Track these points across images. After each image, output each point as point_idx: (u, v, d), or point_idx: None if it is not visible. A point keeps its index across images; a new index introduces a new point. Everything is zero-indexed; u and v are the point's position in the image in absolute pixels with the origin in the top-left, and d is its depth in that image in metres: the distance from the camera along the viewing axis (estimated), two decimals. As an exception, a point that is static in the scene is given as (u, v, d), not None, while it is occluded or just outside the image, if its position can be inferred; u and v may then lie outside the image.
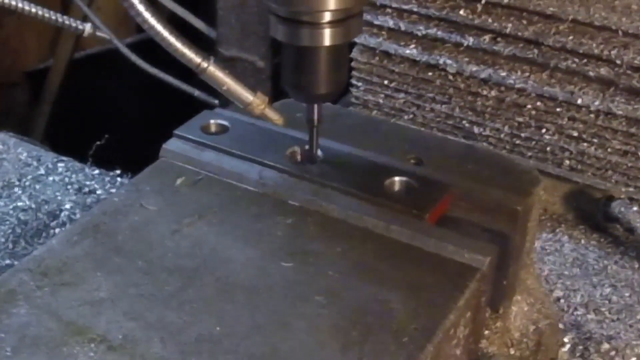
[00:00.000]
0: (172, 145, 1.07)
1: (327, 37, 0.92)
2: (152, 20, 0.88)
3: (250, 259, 0.91)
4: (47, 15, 1.46)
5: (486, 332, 1.04)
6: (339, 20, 0.92)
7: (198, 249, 0.93)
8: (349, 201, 0.98)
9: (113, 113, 3.13)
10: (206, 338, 0.82)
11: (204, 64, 0.91)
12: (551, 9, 1.41)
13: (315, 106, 1.00)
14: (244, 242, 0.94)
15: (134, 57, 2.31)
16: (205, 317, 0.84)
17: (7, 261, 1.19)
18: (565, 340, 1.18)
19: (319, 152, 1.04)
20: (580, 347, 1.17)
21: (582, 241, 1.45)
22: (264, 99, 0.96)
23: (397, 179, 1.01)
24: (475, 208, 1.00)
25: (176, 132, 1.08)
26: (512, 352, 1.07)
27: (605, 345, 1.17)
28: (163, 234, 0.94)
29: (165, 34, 0.88)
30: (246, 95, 0.95)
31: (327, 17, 0.91)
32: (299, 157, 1.05)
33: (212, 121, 1.10)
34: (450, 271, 0.91)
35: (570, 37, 1.41)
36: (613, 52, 1.38)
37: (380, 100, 1.64)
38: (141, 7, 0.87)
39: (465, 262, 0.92)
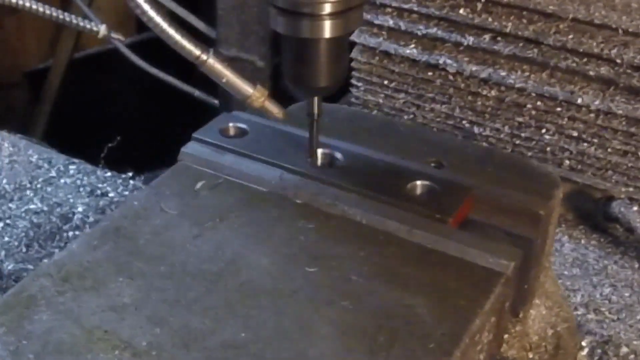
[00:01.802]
0: (191, 148, 1.06)
1: (327, 29, 0.91)
2: (152, 13, 0.87)
3: (273, 263, 0.91)
4: (60, 17, 1.45)
5: (505, 336, 1.03)
6: (339, 11, 0.91)
7: (220, 253, 0.92)
8: (370, 205, 0.97)
9: (113, 113, 3.12)
10: (231, 344, 0.81)
11: (203, 57, 0.90)
12: (551, 7, 1.41)
13: (316, 100, 0.99)
14: (267, 246, 0.93)
15: (134, 57, 2.30)
16: (230, 323, 0.83)
17: (21, 265, 1.18)
18: (584, 343, 1.17)
19: (339, 155, 1.04)
20: (599, 351, 1.17)
21: (582, 241, 1.45)
22: (264, 92, 0.95)
23: (419, 182, 1.00)
24: (497, 211, 0.99)
25: (195, 135, 1.07)
26: (530, 356, 1.07)
27: (624, 349, 1.17)
28: (185, 237, 0.94)
29: (165, 26, 0.88)
30: (246, 88, 0.95)
31: (327, 8, 0.90)
32: (319, 160, 1.04)
33: (230, 124, 1.09)
34: (474, 276, 0.90)
35: (571, 36, 1.40)
36: (613, 51, 1.37)
37: (380, 100, 1.63)
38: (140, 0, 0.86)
39: (489, 267, 0.91)
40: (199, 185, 1.01)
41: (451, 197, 0.98)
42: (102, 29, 1.57)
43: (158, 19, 0.87)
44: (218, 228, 0.95)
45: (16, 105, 3.19)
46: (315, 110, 0.99)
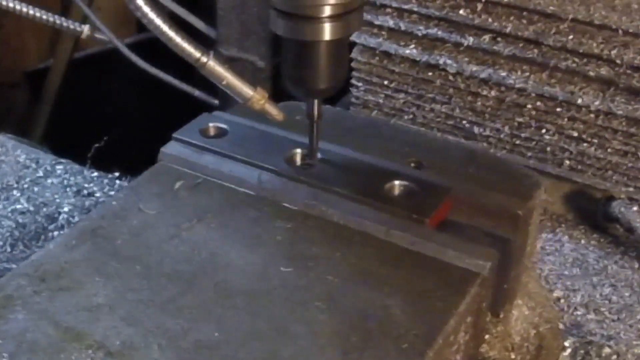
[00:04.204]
0: (170, 148, 1.06)
1: (327, 32, 0.92)
2: (152, 15, 0.87)
3: (249, 263, 0.91)
4: (44, 17, 1.45)
5: (487, 336, 1.03)
6: (339, 14, 0.91)
7: (197, 253, 0.92)
8: (348, 205, 0.97)
9: (113, 113, 3.13)
10: (205, 344, 0.81)
11: (204, 59, 0.90)
12: (551, 8, 1.41)
13: (316, 101, 0.99)
14: (243, 246, 0.93)
15: (134, 57, 2.30)
16: (204, 323, 0.84)
17: (5, 264, 1.18)
18: (566, 344, 1.17)
19: (318, 155, 1.04)
20: (582, 352, 1.16)
21: (582, 241, 1.44)
22: (264, 94, 0.95)
23: (397, 182, 1.00)
24: (476, 212, 0.99)
25: (175, 135, 1.07)
26: (512, 356, 1.07)
27: (607, 350, 1.16)
28: (162, 238, 0.94)
29: (165, 28, 0.88)
30: (246, 90, 0.95)
31: (327, 11, 0.90)
32: (298, 161, 1.04)
33: (211, 124, 1.09)
34: (450, 276, 0.90)
35: (570, 37, 1.40)
36: (613, 52, 1.37)
37: (380, 100, 1.63)
38: (140, 2, 0.86)
39: (466, 267, 0.91)
40: (177, 185, 1.01)
41: (429, 198, 0.98)
42: (85, 30, 1.57)
43: (158, 21, 0.87)
44: (195, 228, 0.95)
45: (16, 105, 3.19)
46: (315, 112, 1.00)
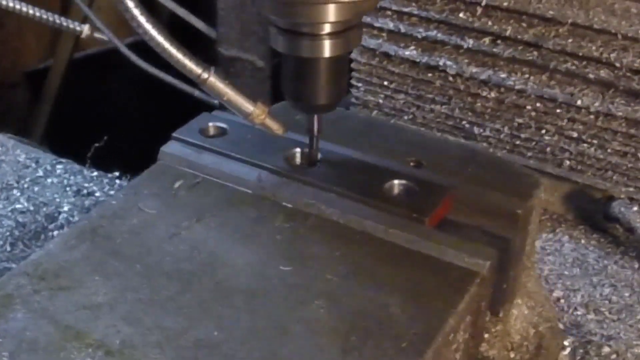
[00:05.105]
0: (170, 148, 1.07)
1: (326, 49, 0.93)
2: (154, 32, 0.88)
3: (249, 262, 0.91)
4: (44, 16, 1.45)
5: (486, 335, 1.03)
6: (339, 31, 0.92)
7: (196, 252, 0.92)
8: (348, 204, 0.97)
9: (113, 113, 3.12)
10: (204, 343, 0.82)
11: (205, 75, 0.92)
12: (551, 12, 1.41)
13: (315, 117, 1.00)
14: (243, 245, 0.93)
15: (134, 57, 2.30)
16: (204, 322, 0.84)
17: (5, 264, 1.19)
18: (566, 343, 1.17)
19: (318, 155, 1.04)
20: (581, 351, 1.16)
21: (582, 241, 1.44)
22: (264, 109, 0.96)
23: (396, 182, 1.00)
24: (475, 211, 0.99)
25: (174, 134, 1.07)
26: (512, 355, 1.07)
27: (606, 349, 1.16)
28: (161, 237, 0.94)
29: (167, 45, 0.89)
30: (247, 105, 0.96)
31: (326, 28, 0.92)
32: (297, 160, 1.04)
33: (210, 124, 1.09)
34: (450, 275, 0.90)
35: (570, 40, 1.40)
36: (612, 55, 1.37)
37: (380, 101, 1.63)
38: (142, 19, 0.87)
39: (465, 266, 0.91)
40: (177, 184, 1.01)
41: (429, 197, 0.98)
42: (85, 29, 1.57)
43: (160, 38, 0.88)
44: (195, 228, 0.95)
45: (16, 105, 3.19)
46: (315, 127, 1.00)
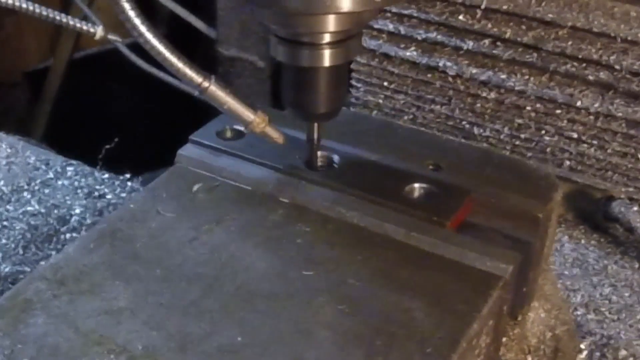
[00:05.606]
0: (187, 150, 1.06)
1: (327, 58, 0.93)
2: (154, 42, 0.88)
3: (270, 266, 0.90)
4: (58, 17, 1.45)
5: (504, 339, 1.03)
6: (339, 41, 0.92)
7: (217, 256, 0.91)
8: (368, 208, 0.97)
9: (113, 113, 3.11)
10: (228, 348, 0.81)
11: (205, 84, 0.92)
12: (550, 15, 1.41)
13: (316, 126, 1.00)
14: (263, 249, 0.92)
15: (134, 57, 2.29)
16: (227, 327, 0.83)
17: (18, 267, 1.18)
18: (582, 346, 1.17)
19: (337, 158, 1.03)
20: (598, 354, 1.16)
21: (582, 241, 1.44)
22: (265, 118, 0.97)
23: (417, 185, 1.00)
24: (495, 214, 0.99)
25: (192, 137, 1.07)
26: (529, 359, 1.06)
27: (623, 352, 1.16)
28: (181, 241, 0.93)
29: (167, 54, 0.89)
30: (247, 114, 0.96)
31: (326, 38, 0.91)
32: (317, 163, 1.03)
33: (227, 126, 1.08)
34: (473, 279, 0.90)
35: (570, 43, 1.41)
36: (612, 58, 1.38)
37: (380, 101, 1.64)
38: (143, 29, 0.87)
39: (488, 270, 0.91)
40: (195, 187, 1.00)
41: (449, 200, 0.98)
42: (99, 31, 1.56)
43: (161, 47, 0.88)
44: (214, 231, 0.94)
45: (16, 105, 3.18)
46: (315, 136, 1.00)
